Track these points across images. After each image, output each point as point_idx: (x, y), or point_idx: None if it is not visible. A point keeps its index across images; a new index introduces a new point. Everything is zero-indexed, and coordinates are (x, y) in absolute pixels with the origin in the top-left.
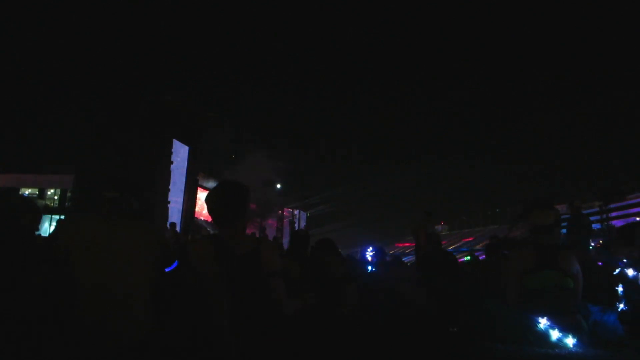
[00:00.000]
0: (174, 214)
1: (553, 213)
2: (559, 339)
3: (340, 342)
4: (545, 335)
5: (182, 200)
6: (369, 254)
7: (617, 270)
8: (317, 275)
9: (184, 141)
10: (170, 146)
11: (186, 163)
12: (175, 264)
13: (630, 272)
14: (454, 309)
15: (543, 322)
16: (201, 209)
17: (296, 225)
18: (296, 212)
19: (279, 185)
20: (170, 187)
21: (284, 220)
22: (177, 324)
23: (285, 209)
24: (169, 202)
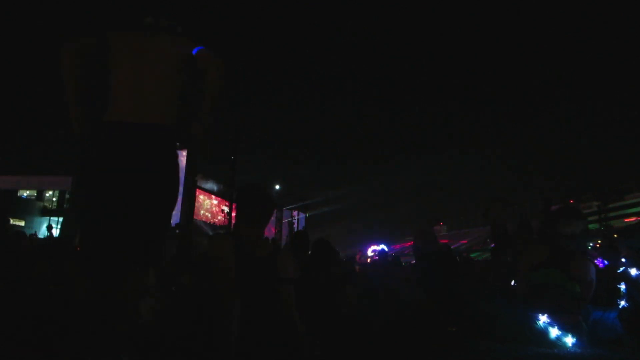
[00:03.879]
0: (173, 215)
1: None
2: (558, 337)
3: (340, 341)
4: (544, 332)
5: (180, 201)
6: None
7: (622, 269)
8: (317, 276)
9: (182, 143)
10: None
11: (185, 164)
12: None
13: (633, 271)
14: (453, 308)
15: (543, 319)
16: (202, 210)
17: (295, 226)
18: (295, 213)
19: (277, 186)
20: None
21: (283, 222)
22: (185, 316)
23: (284, 210)
24: None
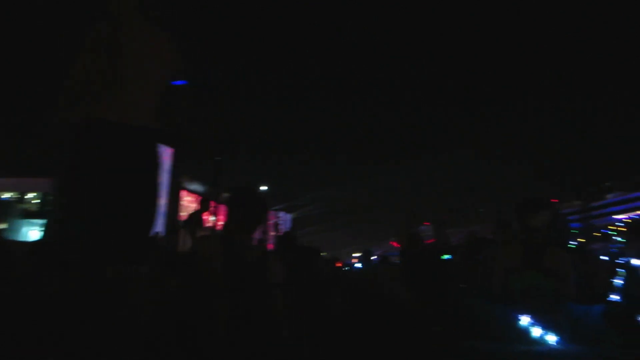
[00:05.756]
0: (157, 217)
1: (548, 212)
2: (540, 336)
3: (329, 342)
4: (526, 331)
5: (165, 203)
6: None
7: (622, 260)
8: (305, 278)
9: (167, 143)
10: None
11: (170, 165)
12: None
13: (633, 262)
14: (438, 307)
15: (525, 320)
16: (187, 212)
17: (281, 227)
18: (281, 214)
19: (264, 187)
20: None
21: (269, 223)
22: (171, 317)
23: (270, 211)
24: None
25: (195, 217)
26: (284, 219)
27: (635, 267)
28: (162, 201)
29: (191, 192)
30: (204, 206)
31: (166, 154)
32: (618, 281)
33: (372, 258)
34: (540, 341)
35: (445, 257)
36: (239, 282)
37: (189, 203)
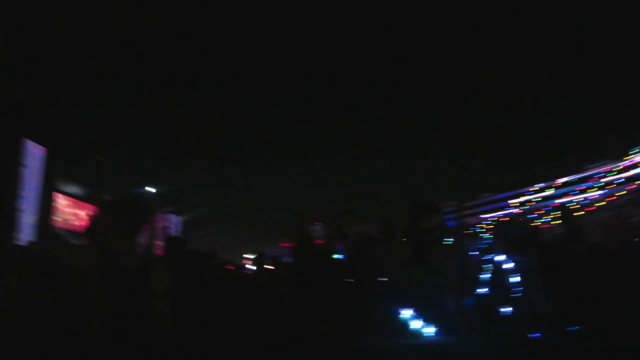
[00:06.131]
0: (28, 223)
1: (439, 215)
2: (420, 328)
3: (217, 348)
4: (407, 325)
5: (36, 208)
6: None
7: (488, 256)
8: (192, 285)
9: (38, 141)
10: (21, 147)
11: (41, 166)
12: None
13: (498, 258)
14: (328, 308)
15: (406, 313)
16: (63, 217)
17: (170, 231)
18: (170, 217)
19: (150, 189)
20: (22, 193)
21: (156, 226)
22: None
23: (158, 214)
24: (19, 210)
25: (95, 224)
26: (173, 222)
27: (499, 262)
28: (31, 207)
29: (68, 195)
30: (104, 212)
31: (35, 152)
32: (485, 275)
33: (264, 259)
34: (419, 333)
35: (337, 256)
36: (118, 295)
37: (64, 207)
